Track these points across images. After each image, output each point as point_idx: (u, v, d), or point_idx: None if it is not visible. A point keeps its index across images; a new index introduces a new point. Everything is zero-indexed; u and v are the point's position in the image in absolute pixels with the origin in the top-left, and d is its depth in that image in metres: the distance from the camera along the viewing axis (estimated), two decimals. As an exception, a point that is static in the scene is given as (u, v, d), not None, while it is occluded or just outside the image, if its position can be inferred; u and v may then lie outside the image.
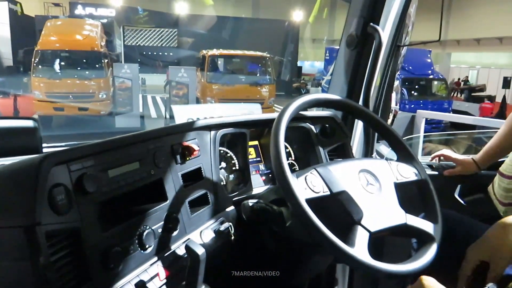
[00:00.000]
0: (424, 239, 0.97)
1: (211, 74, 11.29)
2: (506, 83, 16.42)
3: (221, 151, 1.24)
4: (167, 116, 10.01)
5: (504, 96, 15.08)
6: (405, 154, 1.11)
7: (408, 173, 1.06)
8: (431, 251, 0.93)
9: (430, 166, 1.57)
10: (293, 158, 1.45)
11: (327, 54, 14.92)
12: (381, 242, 1.44)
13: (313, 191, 0.91)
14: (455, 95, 16.60)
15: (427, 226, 0.98)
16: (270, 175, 1.38)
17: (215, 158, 1.15)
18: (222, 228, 1.07)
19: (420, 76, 10.82)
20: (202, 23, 18.66)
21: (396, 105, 1.87)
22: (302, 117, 1.44)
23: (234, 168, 1.29)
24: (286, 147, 1.44)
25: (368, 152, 1.52)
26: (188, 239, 0.98)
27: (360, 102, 1.46)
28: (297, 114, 1.44)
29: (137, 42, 16.58)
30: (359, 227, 0.90)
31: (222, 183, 1.17)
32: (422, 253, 0.93)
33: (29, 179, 0.65)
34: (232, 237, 1.10)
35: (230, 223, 1.10)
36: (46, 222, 0.64)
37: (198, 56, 12.62)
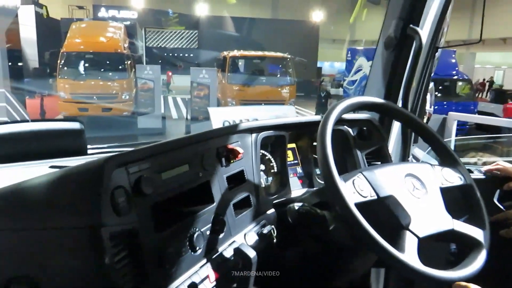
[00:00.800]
0: (472, 245, 0.95)
1: (232, 75, 11.34)
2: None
3: (261, 154, 1.25)
4: (188, 117, 10.10)
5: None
6: (449, 158, 1.09)
7: (453, 178, 1.05)
8: (481, 258, 0.92)
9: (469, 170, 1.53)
10: (329, 161, 1.44)
11: (349, 55, 14.79)
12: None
13: (361, 195, 0.91)
14: (480, 96, 16.23)
15: (475, 232, 0.96)
16: (307, 178, 1.38)
17: (256, 160, 1.16)
18: (265, 231, 1.08)
19: (445, 77, 10.61)
20: (222, 24, 18.80)
21: (430, 107, 1.84)
22: (340, 119, 1.43)
23: (272, 170, 1.30)
24: None
25: (405, 155, 1.50)
26: (234, 241, 0.99)
27: (399, 104, 1.44)
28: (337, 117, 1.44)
29: (158, 44, 16.78)
30: (408, 232, 0.90)
31: (262, 186, 1.18)
32: (471, 259, 0.92)
33: (93, 181, 0.67)
34: (274, 240, 1.11)
35: (272, 226, 1.11)
36: (109, 223, 0.66)
37: (219, 57, 12.70)
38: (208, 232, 0.92)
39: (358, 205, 0.87)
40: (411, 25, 1.36)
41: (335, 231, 1.01)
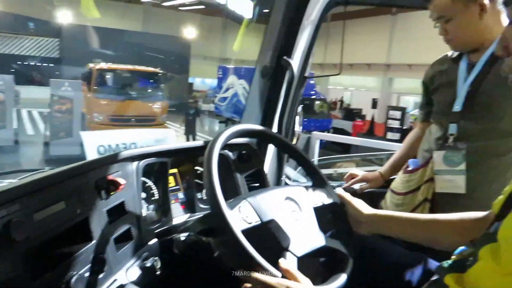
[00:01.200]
0: (341, 258, 1.05)
1: (99, 89, 10.62)
2: (374, 104, 18.70)
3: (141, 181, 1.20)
4: (48, 133, 9.10)
5: (373, 115, 17.16)
6: (319, 180, 1.21)
7: (323, 198, 1.15)
8: (348, 269, 1.01)
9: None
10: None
11: (220, 72, 15.25)
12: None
13: (246, 221, 0.94)
14: (333, 114, 18.33)
15: (343, 246, 1.07)
16: (189, 203, 1.37)
17: (138, 190, 1.11)
18: (148, 264, 1.03)
19: (305, 96, 11.73)
20: (88, 34, 17.51)
21: (299, 128, 2.01)
22: None
23: (153, 198, 1.25)
24: (201, 174, 1.45)
25: (280, 175, 1.60)
26: (115, 279, 0.93)
27: (275, 129, 1.54)
28: None
29: (11, 51, 14.80)
30: (288, 253, 0.95)
31: (143, 216, 1.13)
32: (340, 271, 1.00)
33: None
34: (158, 272, 1.07)
35: (155, 258, 1.07)
36: None
37: (85, 70, 11.79)
38: (87, 274, 0.84)
39: (245, 232, 0.90)
40: (284, 57, 1.47)
41: (221, 257, 1.02)
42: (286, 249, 0.95)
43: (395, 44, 19.88)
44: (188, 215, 1.31)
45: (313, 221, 1.06)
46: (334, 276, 0.99)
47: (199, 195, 1.39)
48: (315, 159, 3.15)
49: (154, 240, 1.13)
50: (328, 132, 12.26)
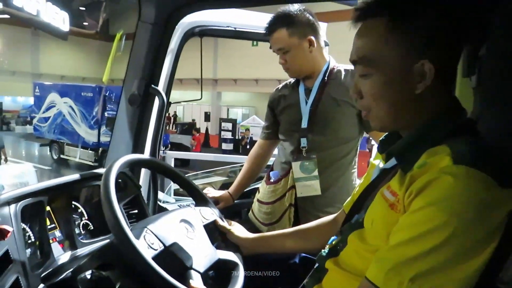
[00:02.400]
0: (233, 267, 1.17)
1: None
2: (207, 117, 19.53)
3: None
4: None
5: (207, 128, 17.92)
6: (201, 199, 1.32)
7: (208, 215, 1.27)
8: (241, 276, 1.12)
9: None
10: (86, 218, 1.41)
11: (37, 90, 13.59)
12: None
13: (153, 249, 0.99)
14: (168, 128, 18.39)
15: (233, 256, 1.19)
16: (68, 241, 1.30)
17: (19, 235, 1.02)
18: None
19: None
20: None
21: (162, 151, 2.08)
22: (94, 175, 1.43)
23: (30, 241, 1.16)
24: (78, 208, 1.40)
25: (156, 199, 1.64)
26: None
27: (148, 154, 1.58)
28: (90, 174, 1.43)
29: None
30: (193, 271, 1.04)
31: (27, 262, 1.05)
32: (234, 280, 1.11)
33: None
34: None
35: None
36: None
37: None
38: None
39: (153, 258, 0.95)
40: (152, 85, 1.54)
41: None
42: (191, 268, 1.03)
43: (220, 61, 21.24)
44: (70, 253, 1.25)
45: (205, 238, 1.17)
46: (231, 284, 1.11)
47: (77, 231, 1.34)
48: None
49: (41, 286, 1.06)
50: (166, 147, 12.26)
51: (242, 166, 2.04)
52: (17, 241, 1.00)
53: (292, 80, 1.79)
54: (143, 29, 1.53)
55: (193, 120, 19.42)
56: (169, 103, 1.74)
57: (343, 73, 1.68)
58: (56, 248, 1.23)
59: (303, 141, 1.64)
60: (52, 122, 13.13)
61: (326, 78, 1.66)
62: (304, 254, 1.27)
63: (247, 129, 14.06)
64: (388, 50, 0.79)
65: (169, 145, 12.99)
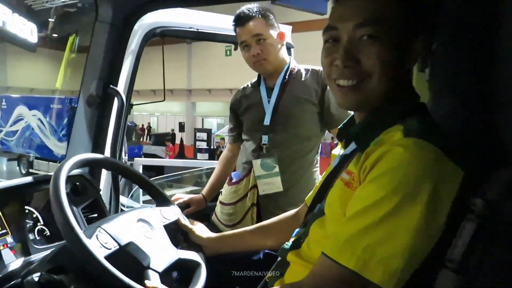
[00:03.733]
0: (195, 267, 1.14)
1: None
2: (181, 127, 19.36)
3: None
4: None
5: (181, 138, 17.76)
6: (163, 199, 1.29)
7: (169, 215, 1.25)
8: (203, 275, 1.10)
9: None
10: (42, 223, 1.36)
11: (4, 103, 13.17)
12: None
13: (106, 248, 0.96)
14: (142, 139, 18.14)
15: (194, 255, 1.17)
16: (21, 247, 1.24)
17: None
18: None
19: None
20: None
21: (125, 155, 2.04)
22: (49, 178, 1.38)
23: (-23, 247, 1.10)
24: (33, 213, 1.34)
25: (117, 202, 1.59)
26: None
27: (108, 155, 1.54)
28: (44, 177, 1.38)
29: None
30: (150, 271, 1.01)
31: None
32: (196, 279, 1.09)
33: None
34: None
35: None
36: None
37: None
38: None
39: (106, 258, 0.92)
40: (111, 85, 1.50)
41: None
42: (148, 267, 1.00)
43: (194, 71, 21.19)
44: (22, 259, 1.19)
45: (165, 238, 1.15)
46: (193, 283, 1.08)
47: (31, 236, 1.28)
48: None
49: None
50: (140, 158, 12.07)
51: (207, 169, 2.02)
52: None
53: (249, 83, 1.80)
54: (100, 29, 1.50)
55: (172, 130, 19.18)
56: (130, 105, 1.71)
57: (303, 72, 1.71)
58: (7, 254, 1.18)
59: (264, 138, 1.65)
60: (20, 135, 12.71)
61: (287, 77, 1.69)
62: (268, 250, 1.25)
63: (222, 139, 14.00)
64: (397, 15, 0.78)
65: (142, 156, 12.79)
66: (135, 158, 3.31)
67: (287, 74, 1.69)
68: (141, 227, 1.10)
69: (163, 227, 1.17)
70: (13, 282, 1.07)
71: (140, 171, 3.14)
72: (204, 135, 14.50)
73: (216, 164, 1.98)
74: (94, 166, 1.19)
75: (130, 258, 1.00)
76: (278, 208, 1.62)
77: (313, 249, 0.88)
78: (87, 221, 1.40)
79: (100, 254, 0.90)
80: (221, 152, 14.00)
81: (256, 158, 1.66)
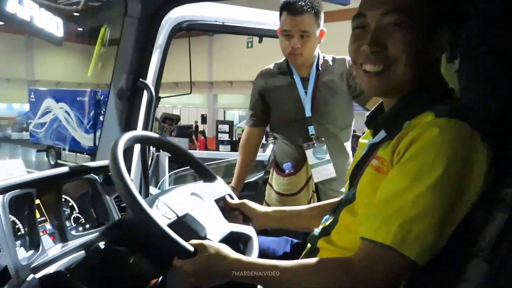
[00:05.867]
0: (246, 240, 1.14)
1: None
2: (203, 119, 19.52)
3: None
4: None
5: (204, 130, 17.87)
6: (209, 176, 1.31)
7: (218, 190, 1.26)
8: (255, 247, 1.10)
9: None
10: (77, 212, 1.42)
11: (33, 96, 13.56)
12: None
13: (166, 217, 0.99)
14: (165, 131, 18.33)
15: (245, 228, 1.17)
16: (59, 233, 1.30)
17: (7, 226, 1.03)
18: None
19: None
20: None
21: (153, 147, 2.09)
22: (84, 168, 1.44)
23: (20, 233, 1.17)
24: (68, 201, 1.40)
25: (147, 191, 1.64)
26: None
27: (137, 146, 1.59)
28: (80, 167, 1.44)
29: None
30: (207, 241, 1.00)
31: (16, 252, 1.05)
32: (249, 250, 1.09)
33: None
34: None
35: None
36: None
37: None
38: None
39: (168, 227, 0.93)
40: (140, 79, 1.55)
41: (136, 263, 1.01)
42: (205, 238, 1.02)
43: (216, 63, 21.23)
44: (60, 245, 1.26)
45: (217, 211, 1.17)
46: (247, 254, 1.06)
47: (68, 224, 1.34)
48: (166, 174, 3.23)
49: (31, 276, 1.06)
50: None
51: (228, 161, 2.05)
52: (5, 232, 1.01)
53: (275, 67, 1.81)
54: (129, 23, 1.54)
55: (196, 122, 19.32)
56: (158, 98, 1.75)
57: (330, 62, 1.76)
58: (46, 240, 1.24)
59: (311, 129, 1.71)
60: (48, 127, 13.09)
61: (320, 68, 1.73)
62: (295, 241, 1.27)
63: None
64: (423, 5, 0.80)
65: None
66: (162, 151, 3.36)
67: (320, 65, 1.74)
68: (194, 201, 1.13)
69: (214, 201, 1.19)
70: (54, 267, 1.12)
71: (166, 162, 3.21)
72: (226, 127, 14.47)
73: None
74: (146, 143, 1.19)
75: (187, 229, 1.02)
76: (333, 190, 1.74)
77: (342, 235, 0.90)
78: (119, 209, 1.46)
79: (163, 222, 0.92)
80: (242, 144, 13.99)
81: (308, 148, 1.72)
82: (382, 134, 0.88)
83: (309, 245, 1.01)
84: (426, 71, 0.83)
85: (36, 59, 22.70)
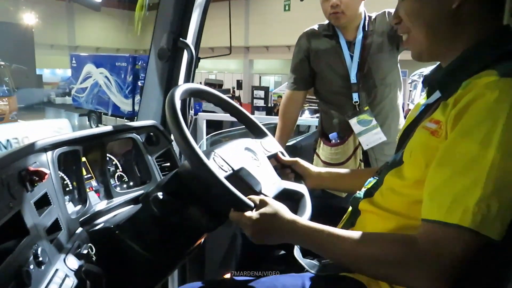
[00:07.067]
0: (299, 197, 1.13)
1: None
2: (239, 85, 19.47)
3: None
4: None
5: (239, 96, 17.91)
6: (260, 132, 1.28)
7: (270, 147, 1.24)
8: (308, 205, 1.08)
9: None
10: (120, 170, 1.45)
11: (74, 62, 13.96)
12: None
13: (224, 170, 0.98)
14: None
15: (298, 186, 1.17)
16: (104, 190, 1.34)
17: (57, 180, 1.06)
18: (84, 251, 1.02)
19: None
20: None
21: (192, 110, 2.09)
22: (127, 128, 1.46)
23: (68, 188, 1.21)
24: (112, 160, 1.44)
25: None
26: (57, 269, 0.91)
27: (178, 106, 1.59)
28: (123, 126, 1.46)
29: None
30: (262, 196, 0.98)
31: (65, 206, 1.09)
32: (302, 208, 1.07)
33: None
34: (94, 258, 1.06)
35: (90, 244, 1.05)
36: None
37: None
38: (32, 267, 0.81)
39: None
40: (181, 38, 1.52)
41: (192, 215, 1.02)
42: (260, 193, 1.01)
43: (252, 28, 20.89)
44: (106, 201, 1.29)
45: (270, 167, 1.15)
46: (299, 213, 1.04)
47: (112, 181, 1.38)
48: (204, 137, 3.26)
49: (80, 229, 1.11)
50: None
51: (265, 125, 2.02)
52: (55, 185, 1.04)
53: (320, 29, 1.73)
54: (169, -18, 1.50)
55: (233, 87, 19.33)
56: (198, 58, 1.73)
57: (376, 20, 1.66)
58: (93, 196, 1.28)
59: (355, 96, 1.64)
60: (89, 92, 13.52)
61: (367, 29, 1.65)
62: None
63: (280, 96, 13.93)
64: None
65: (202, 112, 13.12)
66: (199, 113, 3.38)
67: (366, 26, 1.65)
68: (248, 155, 1.11)
69: (266, 157, 1.18)
70: (102, 222, 1.16)
71: (204, 125, 3.22)
72: (261, 93, 14.46)
73: (276, 120, 1.96)
74: (200, 97, 1.16)
75: (243, 183, 1.01)
76: (384, 155, 1.66)
77: (386, 197, 0.86)
78: (161, 169, 1.48)
79: (221, 174, 0.91)
80: (278, 110, 13.97)
81: (351, 116, 1.66)
82: (437, 94, 0.82)
83: (350, 207, 0.98)
84: (463, 21, 0.76)
85: (77, 24, 23.18)
